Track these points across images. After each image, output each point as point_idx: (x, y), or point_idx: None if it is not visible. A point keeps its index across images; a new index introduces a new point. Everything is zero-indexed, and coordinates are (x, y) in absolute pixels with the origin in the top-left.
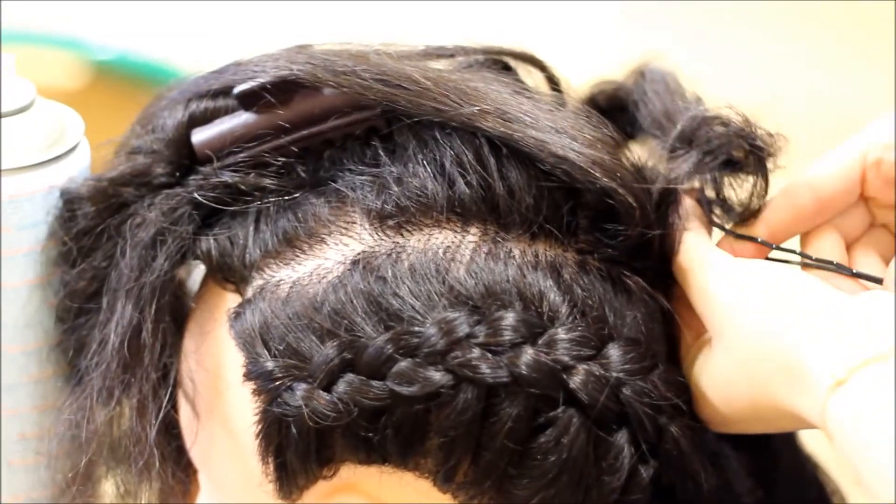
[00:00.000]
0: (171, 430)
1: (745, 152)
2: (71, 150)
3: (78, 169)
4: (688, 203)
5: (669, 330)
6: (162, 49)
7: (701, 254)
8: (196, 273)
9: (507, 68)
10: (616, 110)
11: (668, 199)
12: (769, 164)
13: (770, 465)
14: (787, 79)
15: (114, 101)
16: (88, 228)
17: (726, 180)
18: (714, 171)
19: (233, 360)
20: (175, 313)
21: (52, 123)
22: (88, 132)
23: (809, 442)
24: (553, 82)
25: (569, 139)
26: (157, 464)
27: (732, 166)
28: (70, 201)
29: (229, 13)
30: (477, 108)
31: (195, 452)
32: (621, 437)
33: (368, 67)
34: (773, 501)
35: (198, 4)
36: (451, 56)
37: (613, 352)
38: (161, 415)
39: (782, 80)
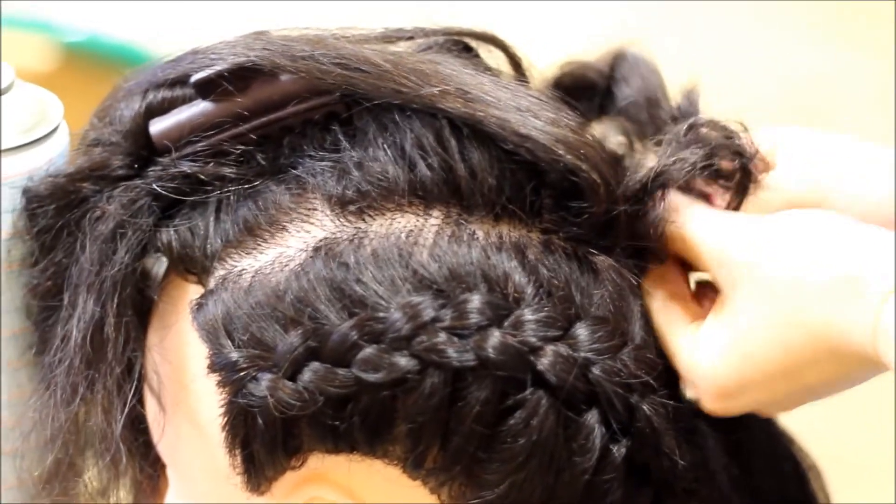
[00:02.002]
0: (137, 426)
1: (732, 166)
2: (51, 132)
3: (58, 151)
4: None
5: (639, 307)
6: (133, 31)
7: (705, 214)
8: (159, 266)
9: (467, 49)
10: (583, 89)
11: (660, 177)
12: (750, 186)
13: (745, 441)
14: (780, 66)
15: (85, 84)
16: (49, 226)
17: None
18: (693, 171)
19: (197, 352)
20: (137, 307)
21: (32, 106)
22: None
23: (784, 418)
24: (515, 62)
25: (531, 117)
26: (125, 459)
27: (713, 172)
28: (30, 200)
29: None
30: (437, 88)
31: (162, 447)
32: (591, 417)
33: (326, 52)
34: (748, 477)
35: None
36: (411, 38)
37: (581, 331)
38: (126, 410)
39: (774, 67)
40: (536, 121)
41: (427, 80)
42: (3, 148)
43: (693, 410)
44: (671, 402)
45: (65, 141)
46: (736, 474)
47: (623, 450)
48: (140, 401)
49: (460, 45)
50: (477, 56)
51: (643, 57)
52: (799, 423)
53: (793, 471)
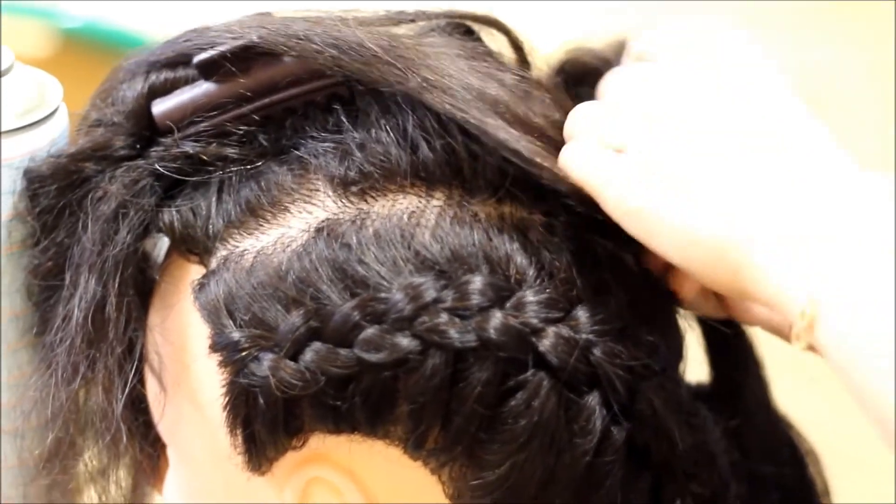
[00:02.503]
0: (137, 405)
1: None
2: (51, 114)
3: (58, 133)
4: None
5: (641, 291)
6: (131, 17)
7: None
8: (160, 246)
9: (469, 32)
10: (585, 75)
11: None
12: None
13: (744, 425)
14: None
15: (83, 69)
16: (51, 206)
17: None
18: None
19: (198, 332)
20: (139, 287)
21: (31, 88)
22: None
23: (783, 403)
24: (516, 45)
25: (506, 122)
26: (125, 439)
27: None
28: (32, 180)
29: None
30: (423, 81)
31: (163, 427)
32: (592, 399)
33: (321, 33)
34: (747, 462)
35: None
36: (413, 21)
37: (582, 313)
38: (127, 390)
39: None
40: (510, 128)
41: (416, 70)
42: (2, 130)
43: (693, 394)
44: (672, 385)
45: (64, 123)
46: (735, 458)
47: (624, 432)
48: (141, 381)
49: (462, 28)
50: (478, 39)
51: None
52: (798, 411)
53: (791, 456)
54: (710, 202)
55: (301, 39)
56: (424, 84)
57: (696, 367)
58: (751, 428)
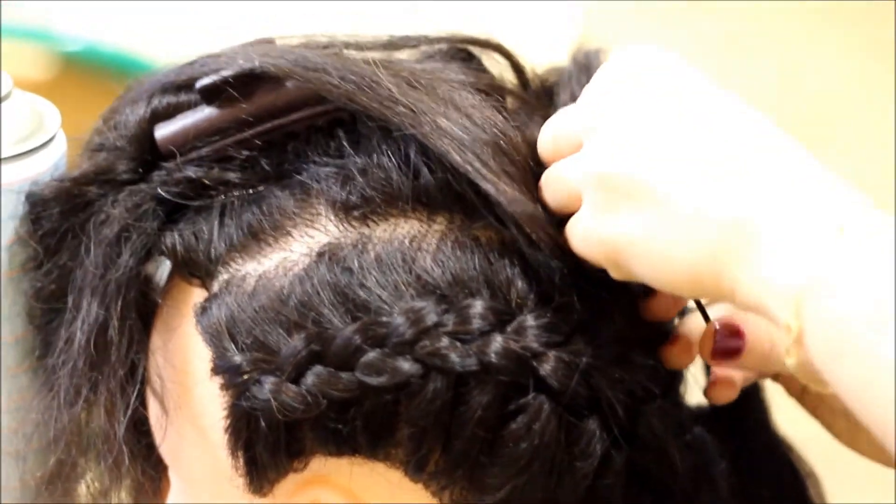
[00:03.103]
0: (140, 428)
1: None
2: (48, 140)
3: (56, 158)
4: None
5: (641, 316)
6: (131, 40)
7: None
8: (163, 269)
9: (470, 57)
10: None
11: None
12: None
13: (744, 447)
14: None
15: (83, 93)
16: (53, 230)
17: None
18: None
19: (200, 355)
20: (141, 310)
21: (29, 114)
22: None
23: (784, 425)
24: (517, 68)
25: (496, 176)
26: (127, 461)
27: None
28: (35, 204)
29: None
30: (429, 126)
31: (165, 449)
32: (593, 423)
33: (339, 67)
34: (747, 484)
35: None
36: (416, 46)
37: (582, 337)
38: (129, 412)
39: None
40: (499, 182)
41: (424, 111)
42: (1, 156)
43: (693, 416)
44: (672, 408)
45: (62, 149)
46: (735, 481)
47: (624, 455)
48: (143, 403)
49: (462, 52)
50: (479, 64)
51: (594, 56)
52: (798, 433)
53: (791, 478)
54: (682, 223)
55: (316, 71)
56: (435, 132)
57: (696, 389)
58: (750, 450)
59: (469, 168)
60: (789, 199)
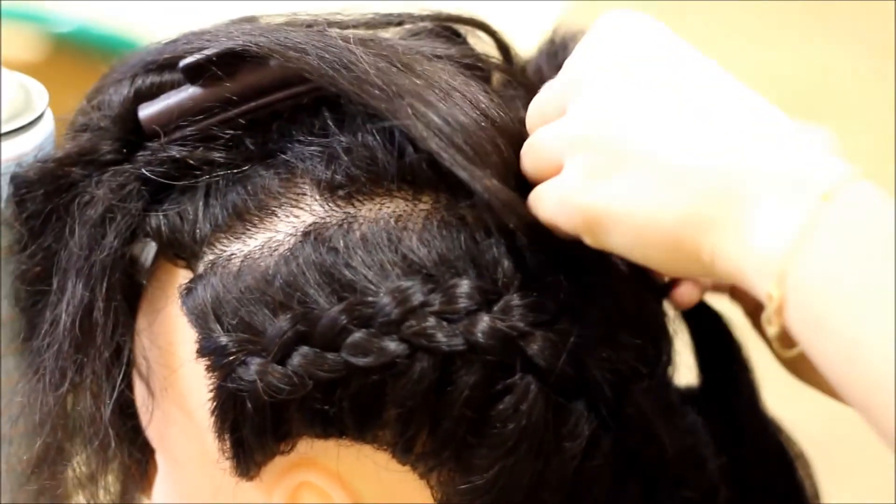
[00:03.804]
0: (126, 411)
1: None
2: (36, 119)
3: (43, 138)
4: None
5: (628, 293)
6: (123, 21)
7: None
8: (148, 251)
9: (456, 35)
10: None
11: None
12: None
13: (733, 428)
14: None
15: (74, 74)
16: (38, 211)
17: None
18: None
19: (186, 336)
20: (126, 291)
21: (16, 94)
22: (49, 105)
23: (773, 406)
24: (502, 47)
25: (472, 163)
26: (114, 444)
27: None
28: (19, 185)
29: None
30: (408, 108)
31: (151, 432)
32: (580, 403)
33: (321, 46)
34: (736, 466)
35: None
36: (400, 23)
37: (569, 316)
38: (115, 394)
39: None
40: (478, 170)
41: (402, 94)
42: None
43: (682, 397)
44: (660, 388)
45: (50, 128)
46: (724, 462)
47: (612, 435)
48: (129, 386)
49: (448, 30)
50: (464, 42)
51: (568, 40)
52: (788, 415)
53: (780, 459)
54: (665, 186)
55: (297, 51)
56: (411, 117)
57: (686, 371)
58: (740, 431)
59: (445, 155)
60: (774, 164)
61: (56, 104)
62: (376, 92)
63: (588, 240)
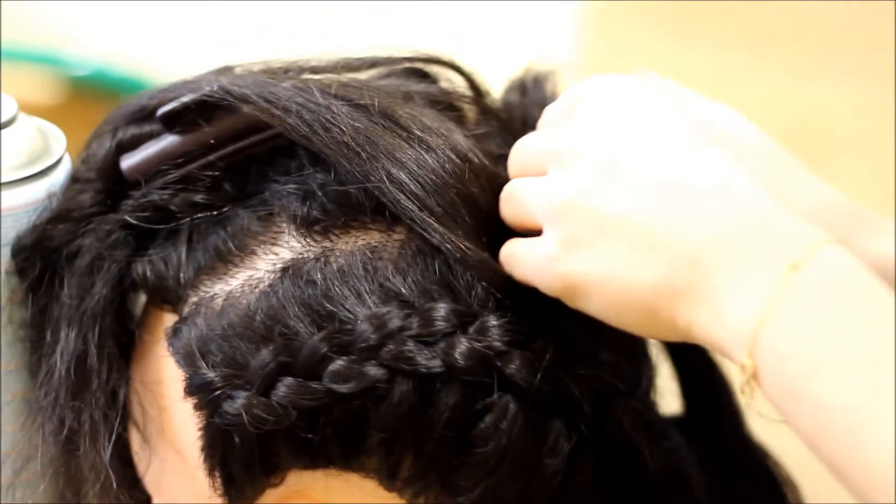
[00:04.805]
0: (125, 458)
1: None
2: (54, 164)
3: (60, 183)
4: None
5: None
6: (140, 64)
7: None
8: (140, 300)
9: (426, 76)
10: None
11: None
12: None
13: (718, 453)
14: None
15: (91, 117)
16: (39, 277)
17: None
18: None
19: (174, 377)
20: (118, 338)
21: (34, 139)
22: (67, 148)
23: (759, 432)
24: (474, 88)
25: (444, 225)
26: (115, 485)
27: None
28: (17, 255)
29: (208, 26)
30: (382, 175)
31: (148, 479)
32: (559, 420)
33: (302, 102)
34: (722, 487)
35: (175, 18)
36: (373, 66)
37: (546, 335)
38: (114, 437)
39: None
40: (449, 232)
41: (376, 156)
42: (3, 181)
43: (666, 422)
44: (640, 406)
45: (67, 173)
46: (709, 481)
47: (593, 452)
48: (125, 429)
49: (419, 72)
50: (435, 83)
51: (538, 81)
52: (775, 440)
53: (768, 483)
54: (641, 259)
55: (279, 110)
56: (384, 181)
57: (672, 401)
58: (726, 456)
59: (417, 220)
60: (743, 236)
61: (74, 147)
62: (352, 155)
63: (566, 302)
